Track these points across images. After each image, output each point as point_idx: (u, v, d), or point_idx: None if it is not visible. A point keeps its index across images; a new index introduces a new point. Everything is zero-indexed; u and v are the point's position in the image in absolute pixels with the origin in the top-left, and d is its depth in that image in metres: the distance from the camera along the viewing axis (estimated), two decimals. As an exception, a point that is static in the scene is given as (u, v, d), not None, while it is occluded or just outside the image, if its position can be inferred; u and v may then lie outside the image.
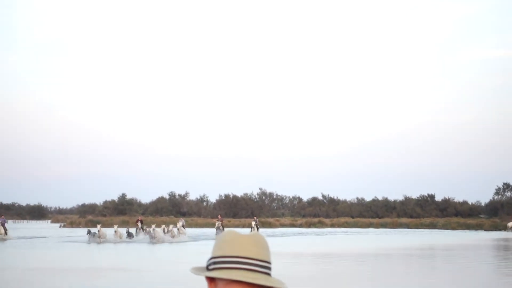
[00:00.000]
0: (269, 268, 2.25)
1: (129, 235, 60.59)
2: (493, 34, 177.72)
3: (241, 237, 2.26)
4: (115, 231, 58.55)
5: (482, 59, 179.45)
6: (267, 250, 2.27)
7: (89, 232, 57.45)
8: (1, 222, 59.68)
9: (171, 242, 55.83)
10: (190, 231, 77.45)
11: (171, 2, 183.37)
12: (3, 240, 56.89)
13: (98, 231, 56.70)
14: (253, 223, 67.99)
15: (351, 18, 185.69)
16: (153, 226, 58.99)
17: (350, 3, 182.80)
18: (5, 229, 59.99)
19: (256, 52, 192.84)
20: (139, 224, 65.08)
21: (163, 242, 55.59)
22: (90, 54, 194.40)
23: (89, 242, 54.36)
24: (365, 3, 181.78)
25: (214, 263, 2.25)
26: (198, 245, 50.18)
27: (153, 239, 55.78)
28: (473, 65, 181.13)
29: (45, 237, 62.48)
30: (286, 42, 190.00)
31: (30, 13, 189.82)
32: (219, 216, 70.33)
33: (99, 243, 54.23)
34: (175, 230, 61.69)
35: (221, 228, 67.07)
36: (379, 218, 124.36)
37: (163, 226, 63.81)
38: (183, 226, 67.92)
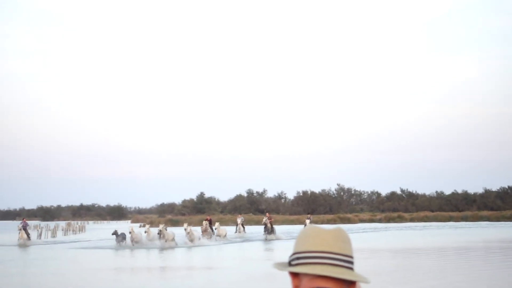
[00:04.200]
0: (352, 263, 2.26)
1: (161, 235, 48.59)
2: None
3: (323, 232, 2.28)
4: (146, 232, 49.68)
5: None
6: (350, 244, 2.29)
7: (115, 233, 49.15)
8: (22, 226, 54.92)
9: (189, 247, 47.48)
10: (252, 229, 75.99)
11: (170, 2, 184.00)
12: (25, 246, 51.93)
13: (130, 232, 47.92)
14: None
15: (354, 17, 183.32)
16: (161, 226, 49.13)
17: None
18: (28, 234, 55.07)
19: (297, 50, 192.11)
20: (204, 224, 58.06)
21: (175, 245, 47.41)
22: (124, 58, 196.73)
23: (117, 246, 47.23)
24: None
25: (298, 258, 2.26)
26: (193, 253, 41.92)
27: (166, 242, 47.20)
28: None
29: (77, 241, 57.68)
30: (317, 37, 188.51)
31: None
32: (267, 214, 65.45)
33: (132, 247, 46.67)
34: (192, 230, 50.79)
35: (268, 226, 58.98)
36: (459, 211, 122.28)
37: (217, 224, 57.73)
38: (242, 224, 65.48)
